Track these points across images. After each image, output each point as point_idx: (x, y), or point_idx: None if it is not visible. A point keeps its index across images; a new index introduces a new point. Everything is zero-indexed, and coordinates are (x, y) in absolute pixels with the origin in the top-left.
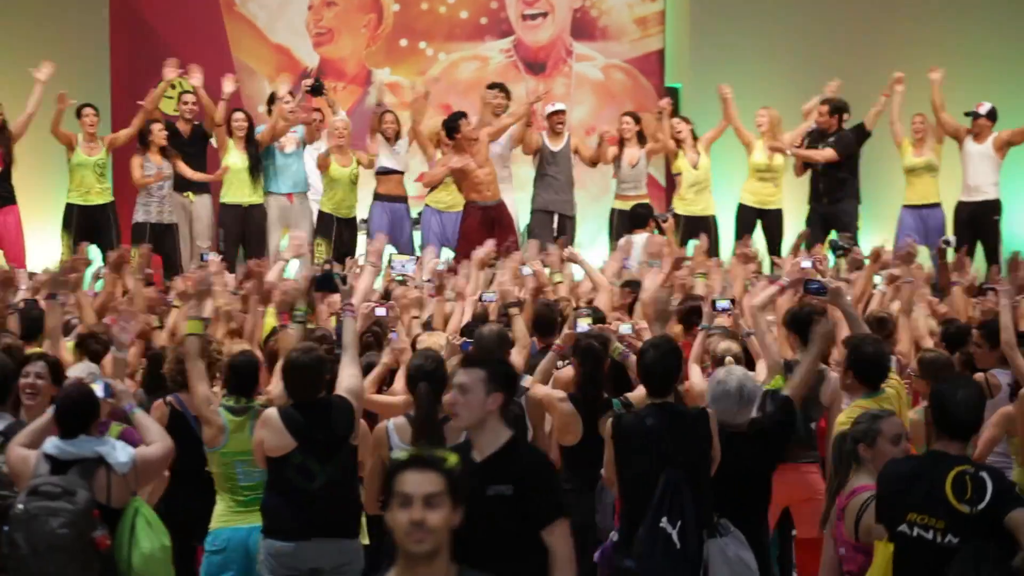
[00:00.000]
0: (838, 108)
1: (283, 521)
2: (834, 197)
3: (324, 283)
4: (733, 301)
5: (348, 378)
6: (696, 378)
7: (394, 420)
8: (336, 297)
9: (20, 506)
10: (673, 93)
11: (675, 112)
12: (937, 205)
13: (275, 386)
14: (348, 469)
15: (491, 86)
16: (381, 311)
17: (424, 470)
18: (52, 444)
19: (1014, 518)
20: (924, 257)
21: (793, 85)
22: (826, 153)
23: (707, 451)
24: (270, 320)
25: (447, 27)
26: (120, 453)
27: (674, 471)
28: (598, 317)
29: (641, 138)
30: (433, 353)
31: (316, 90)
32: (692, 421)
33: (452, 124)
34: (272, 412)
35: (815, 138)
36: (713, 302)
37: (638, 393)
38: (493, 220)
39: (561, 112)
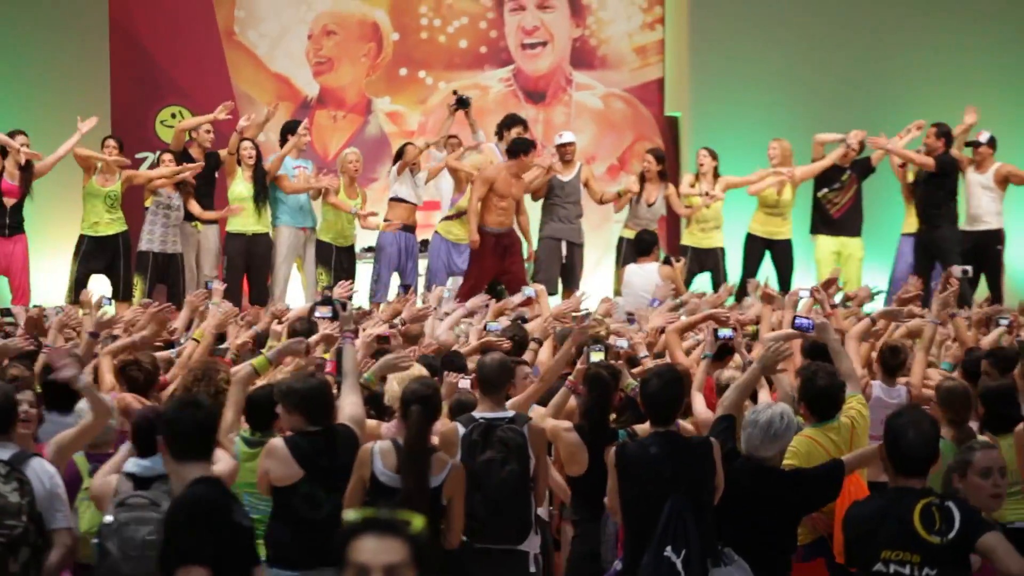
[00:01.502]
0: (944, 133)
1: (289, 551)
2: (932, 224)
3: (323, 310)
4: (735, 330)
5: (350, 406)
6: (699, 407)
7: (379, 443)
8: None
9: (110, 518)
10: (673, 122)
11: (675, 142)
12: None
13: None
14: None
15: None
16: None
17: (384, 536)
18: (133, 463)
19: (985, 543)
20: None
21: (793, 113)
22: (926, 160)
23: (711, 480)
24: None
25: (447, 56)
26: None
27: (678, 500)
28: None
29: (662, 176)
30: (430, 379)
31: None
32: (696, 450)
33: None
34: (278, 442)
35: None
36: (715, 331)
37: (646, 426)
38: (504, 247)
39: (571, 144)
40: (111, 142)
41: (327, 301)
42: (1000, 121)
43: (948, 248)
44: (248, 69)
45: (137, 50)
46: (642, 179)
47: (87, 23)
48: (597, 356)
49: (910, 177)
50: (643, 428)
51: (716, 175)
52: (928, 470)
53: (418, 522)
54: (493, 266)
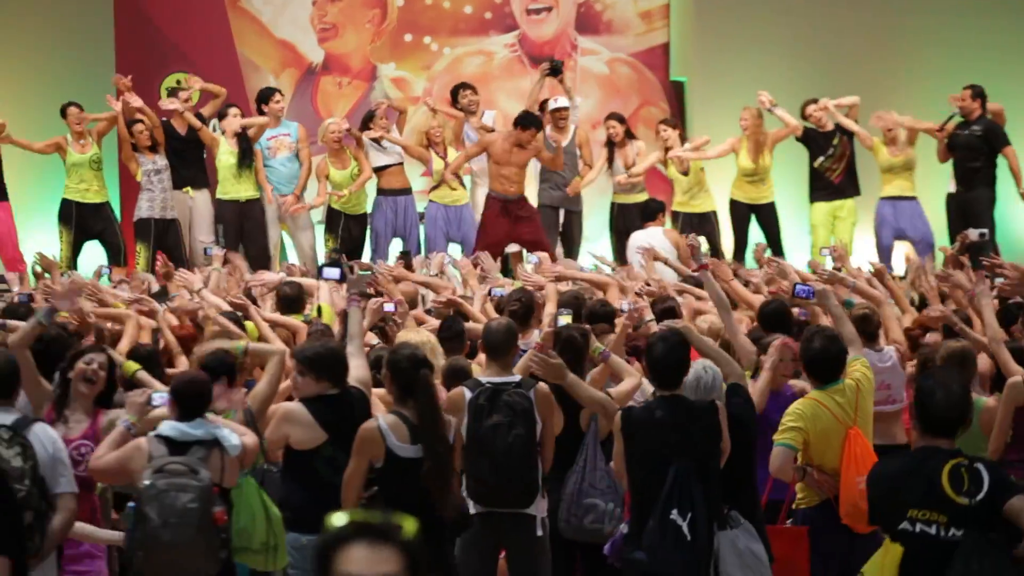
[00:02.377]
0: (980, 93)
1: (309, 514)
2: (969, 185)
3: (331, 271)
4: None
5: (356, 369)
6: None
7: (382, 419)
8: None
9: (148, 482)
10: (678, 87)
11: (681, 107)
12: (914, 198)
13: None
14: None
15: (462, 86)
16: (390, 307)
17: (377, 544)
18: (170, 426)
19: (1013, 506)
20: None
21: (799, 77)
22: (929, 125)
23: (716, 443)
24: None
25: (452, 22)
26: (232, 437)
27: (683, 463)
28: (607, 311)
29: (629, 135)
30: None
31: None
32: (701, 413)
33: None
34: (297, 406)
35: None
36: (794, 286)
37: (618, 389)
38: (514, 215)
39: (564, 108)
40: (73, 109)
41: (335, 263)
42: (1002, 89)
43: (981, 211)
44: (252, 35)
45: (141, 17)
46: (611, 146)
47: None
48: (565, 319)
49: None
50: (615, 391)
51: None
52: (956, 431)
53: (411, 527)
54: (501, 232)
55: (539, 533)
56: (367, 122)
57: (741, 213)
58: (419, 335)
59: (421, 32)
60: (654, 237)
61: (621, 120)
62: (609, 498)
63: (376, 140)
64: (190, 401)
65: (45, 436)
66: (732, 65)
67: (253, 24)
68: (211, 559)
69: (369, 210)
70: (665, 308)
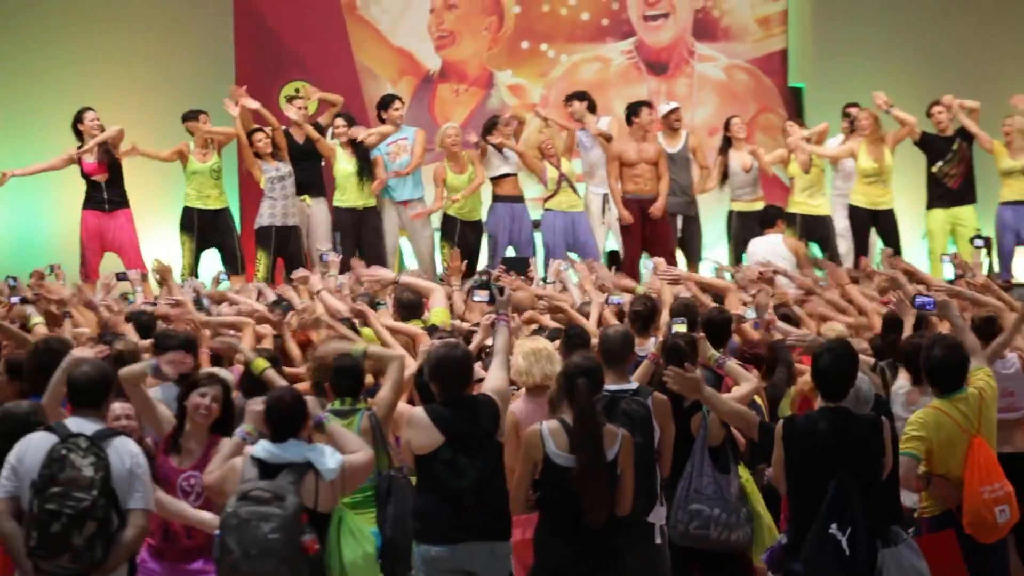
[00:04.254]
0: None
1: (436, 524)
2: None
3: (482, 294)
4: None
5: (494, 380)
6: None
7: (546, 424)
8: None
9: (230, 510)
10: (796, 93)
11: (799, 113)
12: None
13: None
14: (497, 467)
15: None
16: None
17: None
18: (262, 448)
19: None
20: None
21: (918, 82)
22: None
23: (880, 457)
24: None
25: (568, 29)
26: (329, 459)
27: (845, 476)
28: (724, 318)
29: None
30: (590, 353)
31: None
32: (866, 427)
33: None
34: (418, 411)
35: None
36: (913, 297)
37: (730, 395)
38: (649, 213)
39: (676, 110)
40: (202, 116)
41: (484, 285)
42: None
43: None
44: (370, 44)
45: (261, 26)
46: (727, 145)
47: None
48: (679, 328)
49: None
50: (731, 396)
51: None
52: None
53: None
54: (638, 232)
55: (658, 541)
56: (490, 128)
57: (861, 220)
58: (536, 342)
59: (538, 39)
60: (773, 244)
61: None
62: (715, 504)
63: (497, 147)
64: (281, 421)
65: (124, 450)
66: (850, 71)
67: (371, 32)
68: None
69: (484, 217)
70: (781, 316)
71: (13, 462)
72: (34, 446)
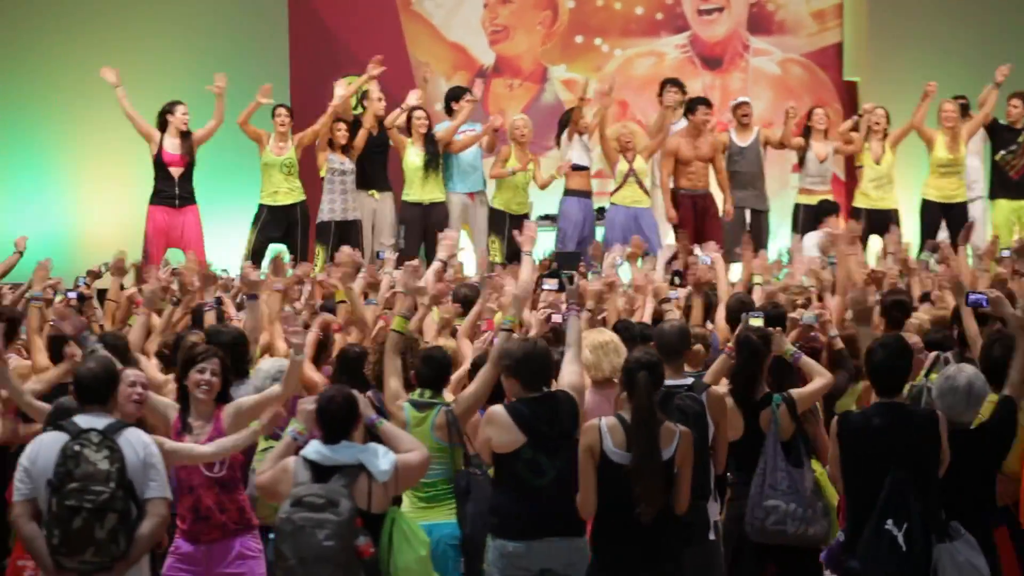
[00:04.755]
0: None
1: (513, 520)
2: None
3: (551, 282)
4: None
5: (570, 374)
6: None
7: (605, 420)
8: None
9: (284, 516)
10: (852, 87)
11: (854, 107)
12: None
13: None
14: (575, 464)
15: (668, 81)
16: (558, 318)
17: None
18: (314, 450)
19: None
20: None
21: (975, 76)
22: None
23: (936, 453)
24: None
25: (622, 23)
26: (382, 461)
27: (901, 472)
28: (778, 313)
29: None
30: (651, 348)
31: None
32: (921, 422)
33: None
34: (499, 409)
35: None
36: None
37: (803, 390)
38: (702, 209)
39: (745, 104)
40: (282, 110)
41: (554, 274)
42: None
43: None
44: (425, 38)
45: (315, 21)
46: (807, 134)
47: None
48: (756, 322)
49: None
50: (797, 392)
51: (885, 134)
52: None
53: None
54: (691, 227)
55: (711, 536)
56: (565, 123)
57: (933, 215)
58: (602, 335)
59: (592, 33)
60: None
61: (828, 115)
62: (791, 499)
63: (580, 133)
64: (333, 422)
65: (137, 441)
66: (906, 65)
67: (425, 27)
68: None
69: (532, 212)
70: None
71: (26, 464)
72: (46, 446)
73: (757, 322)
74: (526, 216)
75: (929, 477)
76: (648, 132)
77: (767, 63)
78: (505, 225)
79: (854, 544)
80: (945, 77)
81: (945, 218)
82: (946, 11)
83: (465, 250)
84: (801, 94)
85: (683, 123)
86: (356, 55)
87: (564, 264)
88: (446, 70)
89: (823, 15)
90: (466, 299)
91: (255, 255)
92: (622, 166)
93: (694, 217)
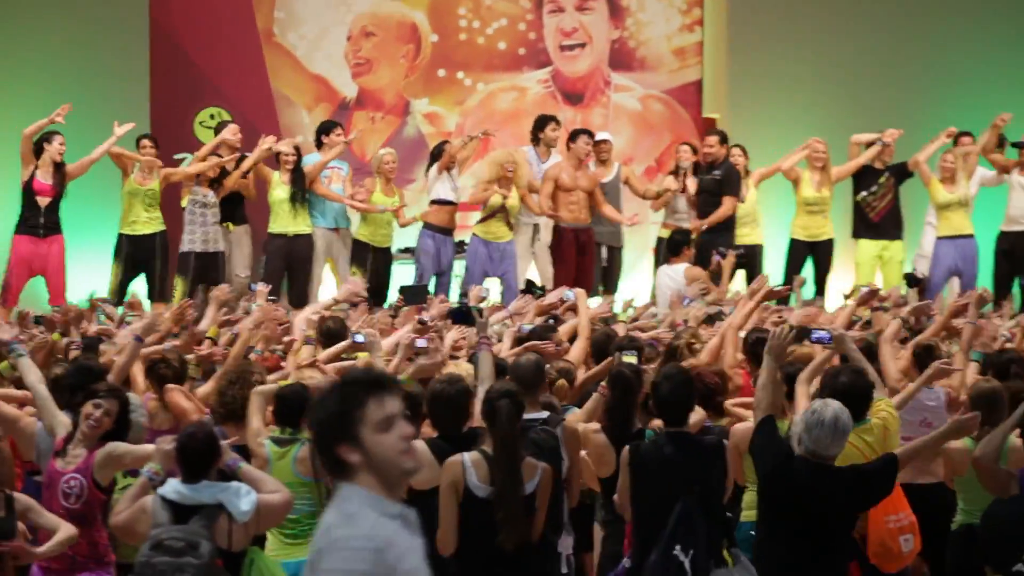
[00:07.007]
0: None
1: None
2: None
3: (460, 317)
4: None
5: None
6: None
7: (468, 456)
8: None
9: (143, 559)
10: (711, 124)
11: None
12: (971, 236)
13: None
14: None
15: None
16: (422, 342)
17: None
18: (173, 489)
19: None
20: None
21: (832, 115)
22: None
23: (723, 481)
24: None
25: (485, 57)
26: (243, 501)
27: (689, 500)
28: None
29: (696, 168)
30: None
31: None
32: (709, 450)
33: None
34: (421, 444)
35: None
36: (809, 332)
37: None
38: (582, 244)
39: (606, 141)
40: (146, 141)
41: (463, 308)
42: None
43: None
44: (287, 70)
45: (177, 51)
46: (678, 172)
47: (127, 24)
48: (630, 359)
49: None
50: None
51: (747, 171)
52: None
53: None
54: (573, 262)
55: (564, 571)
56: (437, 155)
57: (800, 253)
58: (459, 367)
59: (455, 67)
60: (678, 274)
61: (695, 150)
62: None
63: (448, 169)
64: (193, 460)
65: None
66: (765, 102)
67: (287, 59)
68: None
69: (394, 245)
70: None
71: None
72: None
73: (631, 359)
74: (388, 249)
75: (715, 504)
76: (640, 192)
77: (628, 99)
78: (368, 257)
79: (640, 570)
80: (803, 114)
81: (812, 255)
82: (804, 51)
83: (325, 284)
84: (661, 130)
85: (557, 158)
86: (218, 87)
87: (409, 299)
88: (308, 102)
89: (683, 52)
90: (329, 332)
91: (121, 288)
92: (495, 199)
93: (576, 252)
